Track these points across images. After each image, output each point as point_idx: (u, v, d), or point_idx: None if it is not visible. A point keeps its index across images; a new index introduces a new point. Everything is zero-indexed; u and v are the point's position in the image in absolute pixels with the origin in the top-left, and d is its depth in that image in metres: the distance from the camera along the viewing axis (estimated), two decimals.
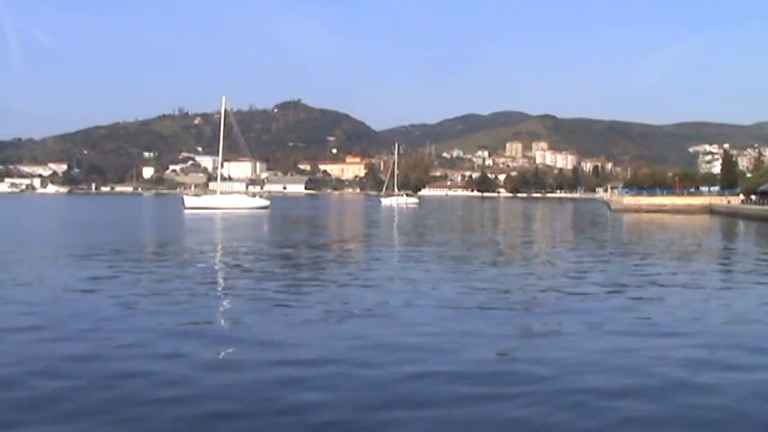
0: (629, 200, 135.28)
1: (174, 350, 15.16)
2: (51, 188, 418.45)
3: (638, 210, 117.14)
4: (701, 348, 15.74)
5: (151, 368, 13.72)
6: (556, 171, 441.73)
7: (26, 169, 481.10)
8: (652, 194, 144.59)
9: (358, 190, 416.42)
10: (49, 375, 13.30)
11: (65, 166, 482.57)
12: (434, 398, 12.19)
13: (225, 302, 21.90)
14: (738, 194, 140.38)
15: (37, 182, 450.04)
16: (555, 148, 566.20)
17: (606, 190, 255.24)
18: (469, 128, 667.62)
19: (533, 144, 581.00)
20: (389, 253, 39.71)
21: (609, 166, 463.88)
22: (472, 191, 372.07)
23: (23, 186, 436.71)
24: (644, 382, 13.15)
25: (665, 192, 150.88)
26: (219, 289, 24.75)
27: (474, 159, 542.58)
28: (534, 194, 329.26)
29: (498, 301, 22.13)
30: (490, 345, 16.04)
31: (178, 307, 20.56)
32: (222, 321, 18.78)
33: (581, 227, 73.60)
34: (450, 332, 17.14)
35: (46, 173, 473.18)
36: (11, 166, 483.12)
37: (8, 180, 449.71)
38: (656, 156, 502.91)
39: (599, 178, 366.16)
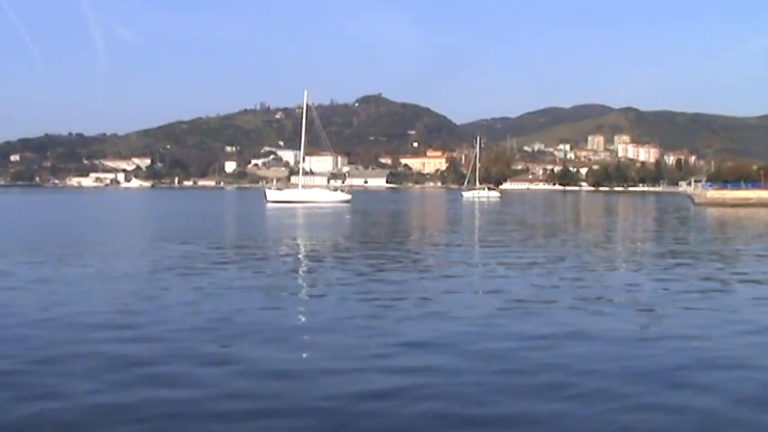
0: (713, 193, 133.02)
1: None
2: (135, 182, 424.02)
3: (722, 204, 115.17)
4: None
5: None
6: (638, 164, 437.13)
7: (110, 164, 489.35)
8: (736, 188, 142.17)
9: (439, 184, 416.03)
10: None
11: (148, 161, 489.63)
12: None
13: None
14: None
15: (121, 176, 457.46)
16: (637, 141, 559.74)
17: (689, 183, 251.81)
18: (551, 121, 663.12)
19: (615, 137, 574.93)
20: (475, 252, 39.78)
21: (692, 159, 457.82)
22: (554, 184, 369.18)
23: (108, 181, 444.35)
24: None
25: (749, 185, 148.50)
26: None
27: (555, 153, 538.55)
28: (616, 188, 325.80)
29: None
30: None
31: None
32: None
33: (668, 223, 72.78)
34: None
35: (130, 167, 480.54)
36: (96, 161, 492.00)
37: (93, 174, 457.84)
38: (740, 148, 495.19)
39: (682, 172, 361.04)
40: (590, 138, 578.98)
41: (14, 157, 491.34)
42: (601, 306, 19.97)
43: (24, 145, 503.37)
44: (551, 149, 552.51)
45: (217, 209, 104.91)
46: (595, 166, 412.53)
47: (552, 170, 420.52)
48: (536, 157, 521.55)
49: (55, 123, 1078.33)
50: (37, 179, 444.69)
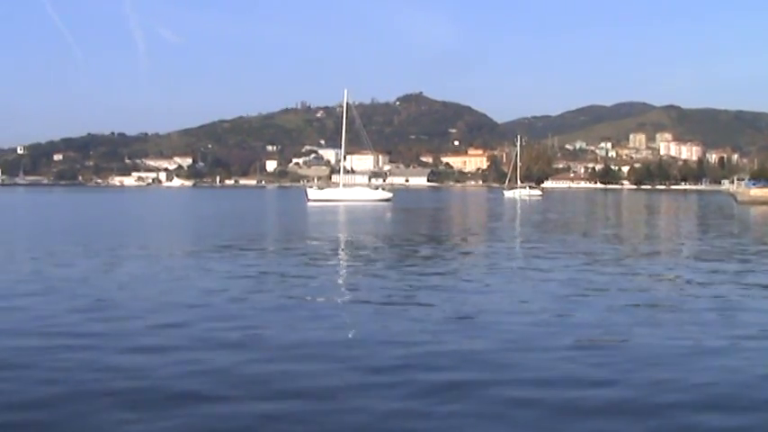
0: (757, 192, 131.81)
1: None
2: (176, 182, 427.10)
3: (765, 202, 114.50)
4: None
5: None
6: (680, 163, 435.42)
7: (152, 163, 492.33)
8: None
9: (480, 182, 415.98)
10: None
11: (189, 160, 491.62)
12: None
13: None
14: None
15: (162, 175, 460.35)
16: (679, 139, 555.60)
17: (732, 182, 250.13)
18: (592, 119, 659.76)
19: (657, 135, 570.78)
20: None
21: (735, 157, 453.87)
22: (595, 183, 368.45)
23: (150, 180, 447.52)
24: None
25: None
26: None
27: (597, 151, 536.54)
28: (658, 186, 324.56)
29: None
30: None
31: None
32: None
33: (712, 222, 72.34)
34: None
35: (171, 166, 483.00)
36: (138, 161, 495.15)
37: (135, 174, 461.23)
38: None
39: (725, 170, 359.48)
40: (631, 136, 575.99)
41: (57, 157, 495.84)
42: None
43: (67, 144, 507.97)
44: (593, 148, 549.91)
45: (259, 208, 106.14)
46: (637, 165, 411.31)
47: (593, 168, 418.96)
48: (577, 155, 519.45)
49: (97, 123, 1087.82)
50: (80, 178, 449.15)
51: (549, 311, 18.59)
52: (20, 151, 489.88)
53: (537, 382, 12.36)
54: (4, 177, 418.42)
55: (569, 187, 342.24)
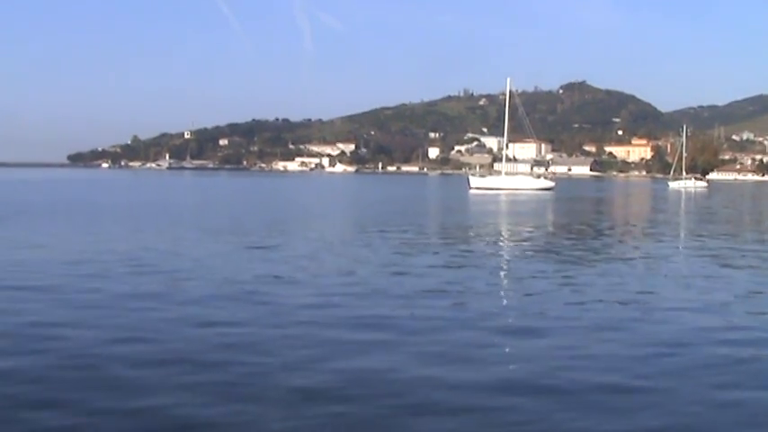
0: None
1: None
2: (339, 167, 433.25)
3: None
4: None
5: None
6: None
7: (315, 149, 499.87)
8: None
9: (644, 173, 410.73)
10: None
11: (352, 146, 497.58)
12: None
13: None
14: None
15: (325, 161, 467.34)
16: None
17: None
18: (761, 109, 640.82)
19: None
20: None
21: None
22: (763, 175, 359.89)
23: (312, 165, 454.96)
24: None
25: None
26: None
27: (765, 142, 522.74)
28: None
29: None
30: None
31: None
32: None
33: None
34: None
35: (334, 152, 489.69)
36: (301, 146, 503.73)
37: (298, 159, 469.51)
38: None
39: None
40: None
41: (223, 142, 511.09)
42: None
43: (233, 130, 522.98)
44: (761, 139, 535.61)
45: (424, 195, 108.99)
46: None
47: (761, 160, 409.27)
48: (744, 146, 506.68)
49: (262, 109, 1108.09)
50: (244, 163, 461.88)
51: None
52: (187, 136, 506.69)
53: None
54: (171, 161, 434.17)
55: (735, 179, 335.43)
